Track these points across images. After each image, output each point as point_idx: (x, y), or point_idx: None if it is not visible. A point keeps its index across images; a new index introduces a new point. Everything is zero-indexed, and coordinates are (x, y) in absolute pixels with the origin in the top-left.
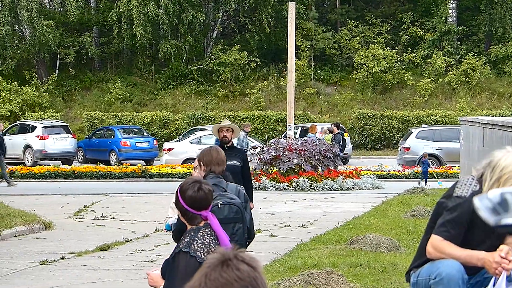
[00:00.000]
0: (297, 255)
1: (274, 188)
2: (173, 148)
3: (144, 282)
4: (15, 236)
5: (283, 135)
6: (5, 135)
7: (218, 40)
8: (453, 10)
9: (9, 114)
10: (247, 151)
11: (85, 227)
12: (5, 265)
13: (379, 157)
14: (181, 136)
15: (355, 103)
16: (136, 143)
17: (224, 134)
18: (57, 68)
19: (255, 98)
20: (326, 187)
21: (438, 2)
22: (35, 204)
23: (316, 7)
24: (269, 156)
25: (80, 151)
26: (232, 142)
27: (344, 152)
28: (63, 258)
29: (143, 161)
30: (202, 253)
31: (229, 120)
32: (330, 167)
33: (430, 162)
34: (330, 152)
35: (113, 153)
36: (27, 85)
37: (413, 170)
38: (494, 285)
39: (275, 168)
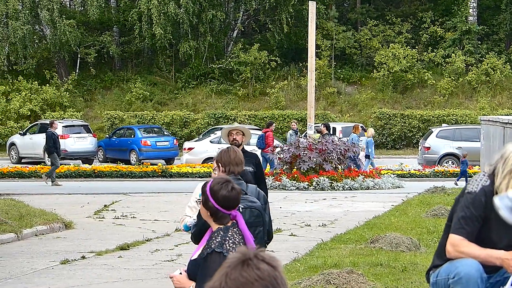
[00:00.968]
0: (318, 255)
1: (295, 188)
2: (193, 148)
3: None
4: (36, 235)
5: (303, 134)
6: (25, 134)
7: (238, 39)
8: (474, 10)
9: (29, 113)
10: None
11: (106, 226)
12: (25, 264)
13: (400, 157)
14: (201, 136)
15: (376, 103)
16: (157, 143)
17: (234, 137)
18: (78, 67)
19: (275, 97)
20: (347, 186)
21: (458, 2)
22: (56, 204)
23: (336, 6)
24: (290, 156)
25: (101, 150)
26: (243, 146)
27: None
28: (83, 257)
29: (163, 161)
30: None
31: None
32: (350, 167)
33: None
34: (350, 152)
35: (134, 153)
36: (47, 85)
37: (434, 170)
38: None
39: (295, 167)
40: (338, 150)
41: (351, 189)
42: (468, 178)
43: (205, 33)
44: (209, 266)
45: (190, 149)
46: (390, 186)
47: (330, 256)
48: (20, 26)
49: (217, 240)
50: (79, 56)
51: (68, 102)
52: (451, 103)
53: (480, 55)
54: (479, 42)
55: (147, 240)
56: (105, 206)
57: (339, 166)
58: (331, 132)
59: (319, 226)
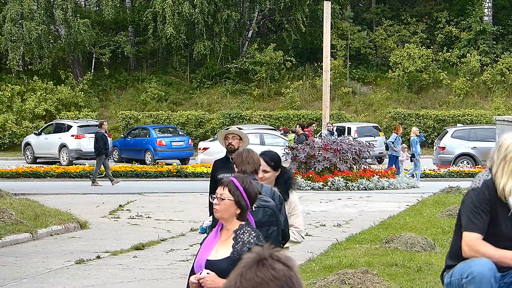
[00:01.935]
0: (332, 255)
1: (310, 188)
2: (208, 148)
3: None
4: (51, 235)
5: (318, 134)
6: (40, 134)
7: (253, 39)
8: (489, 10)
9: (44, 113)
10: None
11: (120, 226)
12: (40, 264)
13: None
14: (216, 136)
15: (391, 103)
16: (172, 143)
17: (230, 142)
18: (93, 67)
19: (291, 97)
20: (362, 186)
21: (473, 2)
22: (71, 203)
23: (351, 6)
24: (305, 156)
25: (116, 150)
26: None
27: (379, 151)
28: (98, 257)
29: (178, 161)
30: None
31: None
32: (365, 167)
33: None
34: (365, 152)
35: (149, 153)
36: (62, 85)
37: (449, 170)
38: None
39: (310, 167)
40: (353, 150)
41: (366, 189)
42: None
43: (220, 33)
44: None
45: (205, 149)
46: (405, 186)
47: (345, 256)
48: (35, 26)
49: (253, 234)
50: (94, 56)
51: (83, 102)
52: (466, 103)
53: (495, 55)
54: (494, 42)
55: (162, 240)
56: (120, 206)
57: (354, 166)
58: (346, 133)
59: (334, 226)
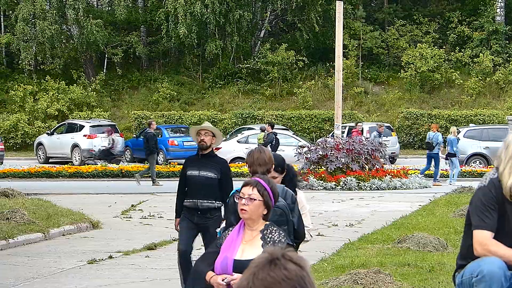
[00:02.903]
0: (345, 255)
1: (322, 187)
2: (220, 147)
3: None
4: (63, 235)
5: (331, 134)
6: (53, 134)
7: (266, 39)
8: (501, 9)
9: (57, 113)
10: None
11: (133, 226)
12: (53, 264)
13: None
14: (228, 136)
15: (403, 102)
16: (184, 142)
17: (202, 138)
18: (105, 67)
19: (303, 97)
20: (374, 186)
21: (485, 1)
22: (83, 203)
23: (363, 6)
24: (317, 155)
25: (128, 150)
26: (212, 149)
27: (392, 151)
28: (110, 257)
29: None
30: None
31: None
32: (377, 166)
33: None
34: (377, 152)
35: (161, 152)
36: (74, 84)
37: (461, 170)
38: None
39: (322, 167)
40: (366, 150)
41: (379, 189)
42: None
43: (232, 33)
44: None
45: (217, 149)
46: (417, 186)
47: (357, 256)
48: (48, 26)
49: (281, 234)
50: (106, 56)
51: (95, 102)
52: (478, 103)
53: (507, 54)
54: (507, 42)
55: (174, 240)
56: (132, 205)
57: (366, 166)
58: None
59: (346, 226)
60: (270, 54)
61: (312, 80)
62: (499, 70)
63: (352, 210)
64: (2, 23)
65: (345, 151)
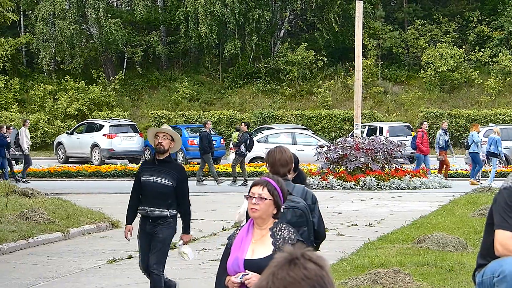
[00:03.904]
0: (364, 254)
1: (341, 187)
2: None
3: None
4: (83, 234)
5: (350, 134)
6: (72, 133)
7: (285, 39)
8: None
9: (76, 112)
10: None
11: None
12: (72, 264)
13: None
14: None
15: (422, 102)
16: None
17: (160, 141)
18: (124, 67)
19: (322, 97)
20: (393, 186)
21: (505, 1)
22: (102, 203)
23: (383, 6)
24: (336, 155)
25: (148, 150)
26: (170, 154)
27: (411, 151)
28: (130, 256)
29: None
30: None
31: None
32: (397, 166)
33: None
34: (397, 151)
35: (180, 152)
36: (94, 84)
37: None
38: None
39: (342, 167)
40: (385, 150)
41: (398, 189)
42: None
43: (252, 32)
44: None
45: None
46: (437, 186)
47: (377, 255)
48: (67, 26)
49: (290, 231)
50: (126, 55)
51: (115, 102)
52: (498, 102)
53: None
54: None
55: (193, 240)
56: None
57: (386, 166)
58: (378, 132)
59: (365, 225)
60: (290, 53)
61: (332, 80)
62: None
63: (372, 209)
64: (22, 23)
65: (364, 150)
